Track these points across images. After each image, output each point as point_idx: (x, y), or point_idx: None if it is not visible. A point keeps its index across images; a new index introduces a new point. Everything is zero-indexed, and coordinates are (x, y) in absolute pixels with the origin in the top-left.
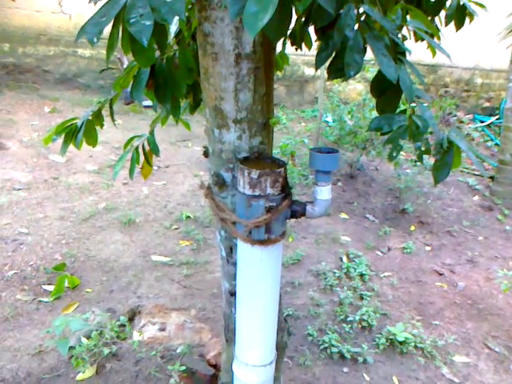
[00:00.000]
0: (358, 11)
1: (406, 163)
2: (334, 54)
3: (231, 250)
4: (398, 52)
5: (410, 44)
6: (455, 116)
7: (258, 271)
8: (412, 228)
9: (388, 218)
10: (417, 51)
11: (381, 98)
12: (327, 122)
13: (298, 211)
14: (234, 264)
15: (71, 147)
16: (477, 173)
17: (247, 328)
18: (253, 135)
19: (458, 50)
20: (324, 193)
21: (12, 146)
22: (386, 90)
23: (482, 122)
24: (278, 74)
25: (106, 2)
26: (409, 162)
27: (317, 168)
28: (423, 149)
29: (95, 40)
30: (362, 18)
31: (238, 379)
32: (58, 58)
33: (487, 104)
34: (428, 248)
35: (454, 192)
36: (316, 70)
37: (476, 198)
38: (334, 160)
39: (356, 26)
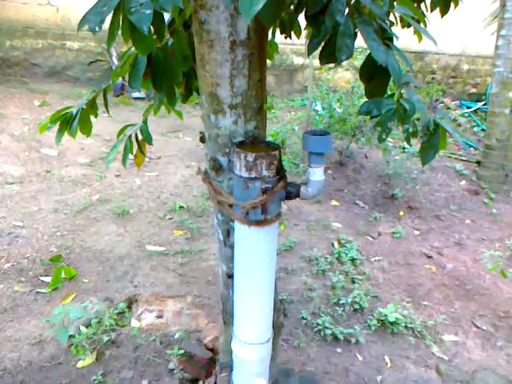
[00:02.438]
0: None
1: (394, 150)
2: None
3: (228, 233)
4: (385, 37)
5: (396, 31)
6: (442, 102)
7: (256, 251)
8: (401, 213)
9: (378, 203)
10: (404, 38)
11: (370, 83)
12: (316, 110)
13: (292, 192)
14: (231, 247)
15: (63, 141)
16: (464, 158)
17: (245, 307)
18: (248, 120)
19: (444, 37)
20: (317, 174)
21: (3, 140)
22: (374, 75)
23: (469, 107)
24: (268, 63)
25: None
26: (397, 148)
27: (310, 150)
28: (411, 131)
29: (97, 29)
30: (352, 3)
31: (238, 357)
32: (46, 50)
33: (473, 90)
34: (417, 232)
35: (442, 177)
36: (308, 55)
37: (463, 182)
38: (326, 142)
39: (346, 12)
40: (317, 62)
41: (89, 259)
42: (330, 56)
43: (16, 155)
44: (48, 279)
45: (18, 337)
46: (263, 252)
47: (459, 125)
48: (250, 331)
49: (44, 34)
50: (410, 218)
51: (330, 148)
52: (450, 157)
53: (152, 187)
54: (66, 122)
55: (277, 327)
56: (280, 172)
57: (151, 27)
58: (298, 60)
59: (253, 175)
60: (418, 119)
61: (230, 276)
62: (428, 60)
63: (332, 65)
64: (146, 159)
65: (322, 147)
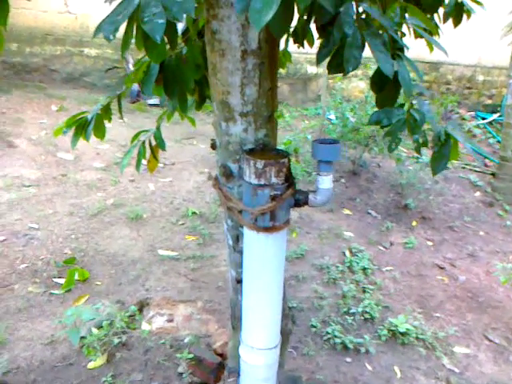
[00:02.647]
0: (357, 9)
1: (408, 160)
2: (334, 51)
3: (237, 239)
4: (396, 48)
5: (410, 41)
6: (457, 113)
7: (264, 257)
8: (414, 223)
9: (390, 213)
10: (418, 48)
11: (380, 93)
12: (330, 119)
13: (301, 200)
14: (240, 252)
15: (79, 145)
16: (479, 169)
17: (253, 313)
18: (258, 128)
19: (459, 48)
20: (326, 182)
21: (21, 144)
22: (385, 85)
23: (484, 119)
24: (281, 72)
25: (121, 2)
26: (411, 158)
27: (319, 158)
28: (421, 141)
29: (111, 37)
30: (363, 16)
31: (245, 362)
32: (65, 57)
33: (489, 101)
34: (430, 243)
35: (456, 188)
36: (317, 65)
37: (477, 194)
38: (335, 150)
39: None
40: None
41: (102, 262)
42: (338, 66)
43: (33, 159)
44: (62, 281)
45: (31, 336)
46: (271, 258)
47: (474, 136)
48: (257, 337)
49: (63, 40)
50: (423, 229)
51: (338, 156)
52: (464, 168)
53: (165, 193)
54: (81, 127)
55: (285, 334)
56: (289, 179)
57: (164, 36)
58: (312, 69)
59: (262, 182)
60: (430, 129)
61: (239, 281)
62: (443, 70)
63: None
64: (160, 165)
65: (330, 156)
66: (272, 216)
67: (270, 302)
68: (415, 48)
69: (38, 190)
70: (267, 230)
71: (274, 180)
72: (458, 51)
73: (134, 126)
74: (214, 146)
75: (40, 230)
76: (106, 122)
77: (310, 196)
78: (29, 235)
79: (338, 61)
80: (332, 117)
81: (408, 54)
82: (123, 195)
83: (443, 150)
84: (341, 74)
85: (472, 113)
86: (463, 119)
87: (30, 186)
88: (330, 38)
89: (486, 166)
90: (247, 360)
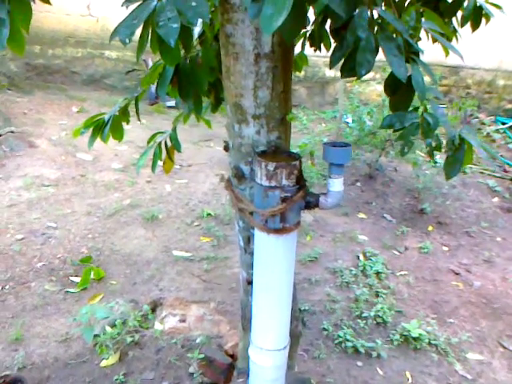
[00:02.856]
0: (371, 13)
1: (425, 164)
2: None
3: (249, 240)
4: (411, 52)
5: (429, 45)
6: (477, 118)
7: (274, 258)
8: (430, 228)
9: (406, 218)
10: (438, 52)
11: (394, 97)
12: (347, 122)
13: (312, 202)
14: (251, 253)
15: (98, 147)
16: (497, 175)
17: (263, 314)
18: (270, 130)
19: (480, 52)
20: (337, 185)
21: (41, 144)
22: (398, 89)
23: (504, 123)
24: (299, 75)
25: (137, 6)
26: (428, 163)
27: (330, 161)
28: (434, 145)
29: (127, 41)
30: (378, 20)
31: (254, 363)
32: (86, 59)
33: (509, 106)
34: (445, 248)
35: (474, 193)
36: (330, 68)
37: (496, 199)
38: (346, 153)
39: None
40: None
41: (117, 262)
42: (351, 70)
43: (53, 159)
44: (77, 279)
45: (46, 334)
46: (281, 259)
47: (493, 141)
48: (266, 337)
49: (84, 43)
50: (439, 234)
51: (349, 159)
52: (482, 173)
53: (181, 194)
54: (99, 128)
55: (295, 336)
56: (300, 182)
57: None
58: (330, 72)
59: (273, 184)
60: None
61: (250, 282)
62: (463, 75)
63: (363, 77)
64: (177, 166)
65: (341, 158)
66: (282, 218)
67: (280, 303)
68: (434, 52)
69: (57, 189)
70: (277, 231)
71: (284, 182)
72: (478, 55)
73: (152, 127)
74: (226, 148)
75: (58, 229)
76: (124, 123)
77: (321, 198)
78: (47, 234)
79: (351, 64)
80: (349, 120)
81: (427, 58)
82: (140, 196)
83: (457, 154)
84: (355, 78)
85: (492, 117)
86: (483, 124)
87: (49, 185)
88: (344, 42)
89: (505, 171)
90: (256, 361)
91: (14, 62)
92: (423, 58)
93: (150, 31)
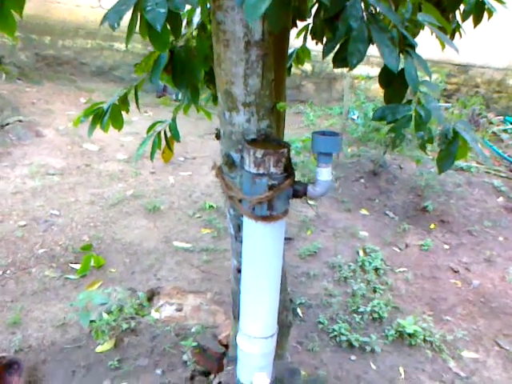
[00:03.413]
0: (366, 3)
1: (430, 162)
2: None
3: (239, 228)
4: (406, 44)
5: (437, 43)
6: (485, 117)
7: (261, 246)
8: (432, 226)
9: (408, 215)
10: (448, 51)
11: (388, 89)
12: (354, 119)
13: (299, 191)
14: (241, 241)
15: (104, 137)
16: (503, 174)
17: (250, 301)
18: (261, 118)
19: (490, 51)
20: (324, 174)
21: (48, 133)
22: (392, 81)
23: None
24: (307, 70)
25: None
26: (433, 160)
27: (318, 150)
28: (426, 138)
29: (116, 25)
30: (372, 11)
31: (242, 351)
32: (95, 51)
33: None
34: (446, 246)
35: (479, 193)
36: (323, 58)
37: (500, 199)
38: (334, 142)
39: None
40: (355, 71)
41: (118, 250)
42: (343, 60)
43: (59, 148)
44: (77, 266)
45: (44, 318)
46: (269, 247)
47: (501, 140)
48: (254, 325)
49: (93, 34)
50: (441, 232)
51: (338, 149)
52: (488, 172)
53: (184, 186)
54: (98, 117)
55: (285, 326)
56: (288, 170)
57: (168, 25)
58: (338, 69)
59: (260, 171)
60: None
61: (240, 271)
62: (472, 73)
63: (370, 74)
64: (181, 159)
65: (330, 147)
66: (270, 205)
67: (267, 291)
68: (445, 50)
69: (62, 178)
70: (265, 218)
71: (272, 170)
72: (488, 54)
73: (158, 119)
74: (218, 136)
75: (61, 216)
76: (131, 116)
77: (309, 187)
78: (49, 221)
79: (343, 55)
80: (355, 116)
81: (435, 55)
82: (143, 187)
83: (450, 148)
84: (359, 73)
85: (500, 117)
86: (491, 123)
87: (54, 174)
88: (336, 32)
89: (511, 171)
90: (244, 348)
91: (24, 52)
92: (432, 55)
93: (139, 16)
